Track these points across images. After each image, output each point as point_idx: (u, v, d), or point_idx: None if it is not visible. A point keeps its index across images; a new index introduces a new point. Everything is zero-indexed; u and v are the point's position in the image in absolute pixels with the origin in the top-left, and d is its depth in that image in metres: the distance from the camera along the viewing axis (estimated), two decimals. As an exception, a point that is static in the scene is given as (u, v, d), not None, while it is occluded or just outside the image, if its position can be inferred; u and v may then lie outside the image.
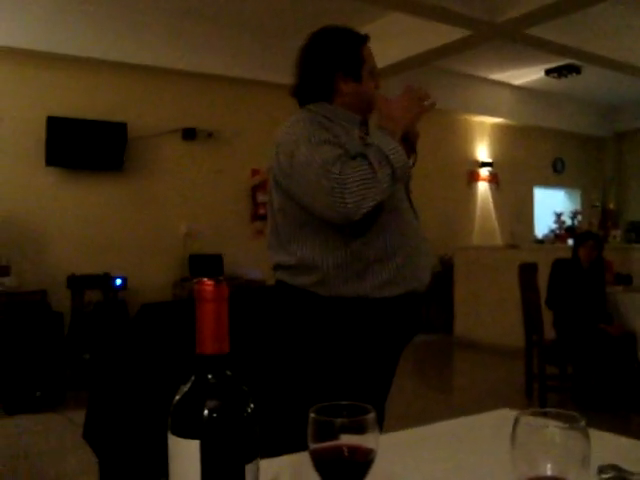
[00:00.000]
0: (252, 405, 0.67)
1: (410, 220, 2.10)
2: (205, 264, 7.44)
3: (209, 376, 0.67)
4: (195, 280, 0.67)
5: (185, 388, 0.67)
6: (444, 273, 8.82)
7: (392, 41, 7.19)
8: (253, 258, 7.55)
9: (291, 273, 2.03)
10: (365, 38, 2.17)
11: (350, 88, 2.10)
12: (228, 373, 0.67)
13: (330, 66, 2.09)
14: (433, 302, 8.63)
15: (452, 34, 6.62)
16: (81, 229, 6.91)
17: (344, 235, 1.94)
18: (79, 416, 3.90)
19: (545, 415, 0.78)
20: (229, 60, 7.56)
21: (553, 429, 0.73)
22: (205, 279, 0.66)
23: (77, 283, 6.41)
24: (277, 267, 2.10)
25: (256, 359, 1.31)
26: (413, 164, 2.26)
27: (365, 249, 1.97)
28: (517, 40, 6.85)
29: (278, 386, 1.44)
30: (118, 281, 6.52)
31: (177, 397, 0.67)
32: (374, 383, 2.03)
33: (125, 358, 1.24)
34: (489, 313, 7.72)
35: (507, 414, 1.29)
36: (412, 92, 1.98)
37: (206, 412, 0.64)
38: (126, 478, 1.23)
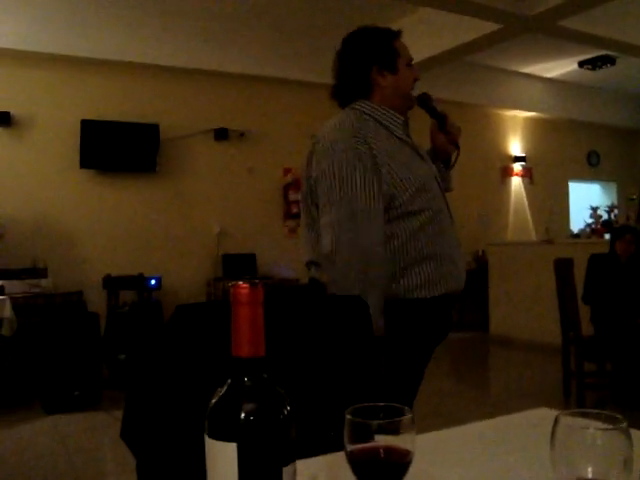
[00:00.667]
0: (288, 407, 0.67)
1: (447, 224, 2.09)
2: (238, 263, 7.48)
3: (245, 379, 0.67)
4: (231, 283, 0.67)
5: (221, 391, 0.67)
6: (479, 270, 8.74)
7: (423, 37, 7.15)
8: (286, 257, 7.57)
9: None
10: (397, 33, 2.17)
11: (388, 81, 2.10)
12: (264, 376, 0.67)
13: (365, 61, 2.10)
14: (468, 299, 8.56)
15: (483, 28, 6.56)
16: (116, 230, 7.00)
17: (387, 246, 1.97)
18: (118, 414, 3.94)
19: (585, 415, 0.76)
20: (260, 60, 7.59)
21: (594, 430, 0.71)
22: (240, 282, 0.66)
23: (112, 284, 6.50)
24: (310, 264, 2.10)
25: (290, 359, 1.31)
26: (456, 159, 2.35)
27: (401, 251, 1.97)
28: (550, 32, 6.76)
29: (312, 386, 1.44)
30: (152, 281, 6.59)
31: (213, 400, 0.67)
32: (404, 382, 2.03)
33: (161, 359, 1.25)
34: (525, 310, 7.64)
35: (545, 413, 1.28)
36: None
37: (243, 415, 0.64)
38: (164, 479, 1.24)
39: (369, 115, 2.06)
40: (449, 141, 2.32)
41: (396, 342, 1.97)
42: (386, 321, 1.97)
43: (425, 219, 1.99)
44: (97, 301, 6.33)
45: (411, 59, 2.18)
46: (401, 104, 2.14)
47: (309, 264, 2.10)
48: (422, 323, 2.00)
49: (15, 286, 5.63)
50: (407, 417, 0.75)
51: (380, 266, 1.90)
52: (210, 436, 0.65)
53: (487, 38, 6.83)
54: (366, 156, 1.93)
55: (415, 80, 2.17)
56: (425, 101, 2.25)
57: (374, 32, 2.14)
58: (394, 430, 0.74)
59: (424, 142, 2.29)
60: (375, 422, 0.74)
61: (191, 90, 7.51)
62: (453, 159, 2.39)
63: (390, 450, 0.74)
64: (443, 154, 2.34)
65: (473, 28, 6.67)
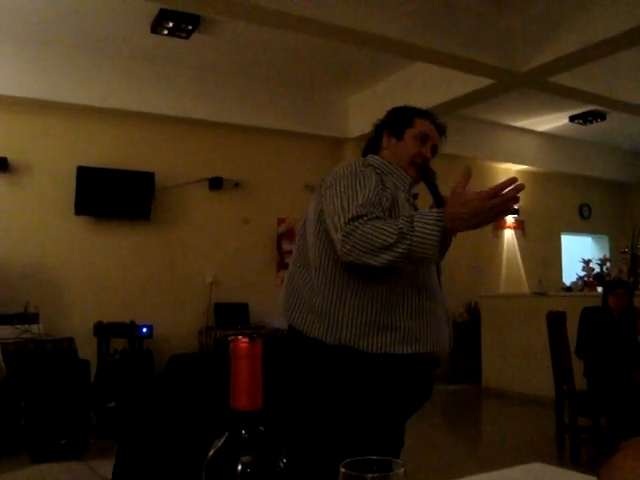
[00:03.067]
0: (285, 460, 0.67)
1: (433, 291, 2.11)
2: (231, 313, 7.46)
3: (243, 432, 0.67)
4: (230, 337, 0.68)
5: (219, 443, 0.67)
6: (471, 321, 8.74)
7: (417, 90, 7.28)
8: (279, 307, 7.55)
9: (305, 318, 2.05)
10: (425, 114, 2.32)
11: (390, 143, 2.26)
12: (261, 429, 0.68)
13: (382, 124, 2.34)
14: (461, 351, 8.54)
15: (476, 83, 6.68)
16: (108, 277, 6.99)
17: (372, 293, 1.98)
18: (100, 464, 3.86)
19: None
20: (255, 110, 7.69)
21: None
22: (240, 336, 0.67)
23: (103, 331, 6.45)
24: (293, 309, 2.10)
25: (283, 411, 1.31)
26: (446, 248, 2.25)
27: (387, 304, 1.99)
28: (541, 88, 6.89)
29: (301, 438, 1.43)
30: (144, 329, 6.55)
31: (211, 452, 0.67)
32: (385, 438, 2.02)
33: (155, 410, 1.25)
34: (517, 362, 7.61)
35: (539, 468, 1.27)
36: (495, 198, 1.73)
37: (240, 467, 0.65)
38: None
39: (377, 167, 2.17)
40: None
41: (375, 396, 1.97)
42: (364, 375, 1.97)
43: (410, 280, 2.02)
44: (88, 348, 6.28)
45: (426, 136, 2.24)
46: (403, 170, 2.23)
47: (292, 309, 2.11)
48: (401, 377, 2.00)
49: (6, 331, 5.58)
50: (400, 471, 0.75)
51: (383, 230, 1.79)
52: (207, 488, 0.66)
53: (480, 93, 6.95)
54: (374, 176, 2.03)
55: (419, 155, 2.22)
56: (427, 174, 2.25)
57: (404, 106, 2.36)
58: (388, 484, 0.74)
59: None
60: (369, 475, 0.74)
61: (187, 139, 7.59)
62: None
63: (384, 504, 0.74)
64: None
65: (467, 83, 6.79)
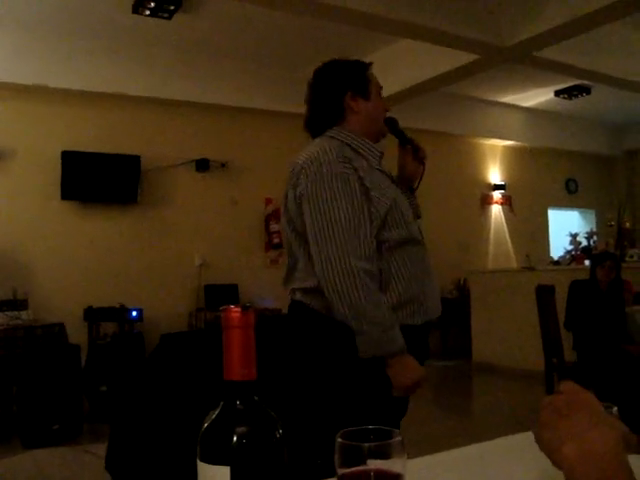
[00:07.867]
0: (281, 430, 0.67)
1: (425, 254, 2.12)
2: (220, 294, 7.45)
3: (237, 402, 0.67)
4: (222, 307, 0.67)
5: (214, 415, 0.67)
6: (460, 298, 8.77)
7: (402, 67, 7.24)
8: (268, 287, 7.55)
9: (312, 296, 2.02)
10: (369, 64, 2.22)
11: (361, 107, 2.11)
12: (256, 399, 0.68)
13: (340, 87, 2.11)
14: (450, 327, 8.58)
15: (461, 59, 6.66)
16: (97, 261, 6.96)
17: (395, 272, 2.00)
18: (95, 449, 3.86)
19: None
20: (241, 91, 7.64)
21: None
22: (232, 306, 0.67)
23: (93, 315, 6.43)
24: (295, 290, 2.07)
25: (280, 383, 1.31)
26: (420, 180, 2.35)
27: (393, 281, 1.99)
28: (526, 63, 6.88)
29: (300, 409, 1.43)
30: (134, 313, 6.53)
31: (206, 424, 0.67)
32: (390, 408, 2.02)
33: (147, 387, 1.24)
34: (507, 337, 7.66)
35: (532, 437, 1.28)
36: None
37: (236, 438, 0.64)
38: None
39: (347, 144, 2.05)
40: (419, 162, 2.33)
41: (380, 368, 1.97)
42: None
43: (411, 250, 2.03)
44: (78, 333, 6.25)
45: (381, 88, 2.21)
46: (375, 131, 2.15)
47: (294, 290, 2.08)
48: (413, 347, 2.00)
49: (-5, 318, 5.57)
50: (397, 439, 0.75)
51: (371, 296, 1.86)
52: (203, 460, 0.65)
53: (465, 68, 6.93)
54: (353, 179, 1.93)
55: (385, 110, 2.21)
56: (394, 125, 2.27)
57: (347, 62, 2.18)
58: (385, 453, 0.74)
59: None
60: (366, 445, 0.74)
61: (172, 121, 7.53)
62: (418, 181, 2.37)
63: (381, 473, 0.74)
64: (412, 178, 2.34)
65: (451, 59, 6.76)
